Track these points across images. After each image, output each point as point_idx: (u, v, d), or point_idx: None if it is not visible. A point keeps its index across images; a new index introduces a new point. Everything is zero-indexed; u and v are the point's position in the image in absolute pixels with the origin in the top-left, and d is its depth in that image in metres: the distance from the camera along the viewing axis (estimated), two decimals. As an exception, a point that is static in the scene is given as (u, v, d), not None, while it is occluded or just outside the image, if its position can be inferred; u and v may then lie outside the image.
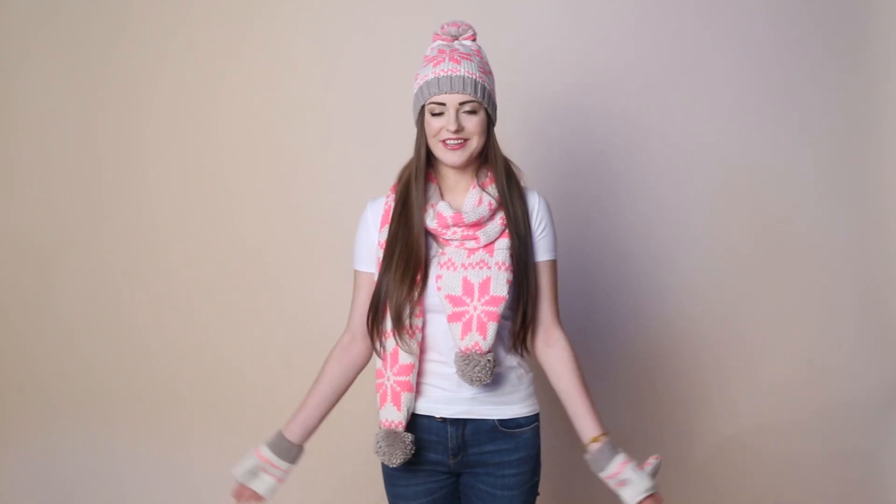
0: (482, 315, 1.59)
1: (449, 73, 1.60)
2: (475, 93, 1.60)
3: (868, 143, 2.61)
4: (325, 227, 2.68)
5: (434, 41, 1.70)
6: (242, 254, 2.71)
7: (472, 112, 1.61)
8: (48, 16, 2.80)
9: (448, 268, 1.63)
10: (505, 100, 2.53)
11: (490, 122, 1.67)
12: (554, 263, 1.72)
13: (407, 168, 1.72)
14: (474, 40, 1.69)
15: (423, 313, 1.65)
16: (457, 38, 1.68)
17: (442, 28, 1.68)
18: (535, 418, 1.71)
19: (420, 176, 1.67)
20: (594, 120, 2.55)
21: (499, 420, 1.66)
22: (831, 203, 2.59)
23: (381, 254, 1.67)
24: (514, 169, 1.71)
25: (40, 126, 2.83)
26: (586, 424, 1.67)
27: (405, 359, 1.64)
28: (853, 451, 2.60)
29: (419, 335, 1.65)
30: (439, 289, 1.62)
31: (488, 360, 1.59)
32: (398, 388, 1.64)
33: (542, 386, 1.79)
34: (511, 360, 1.70)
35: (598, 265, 2.57)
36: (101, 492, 2.79)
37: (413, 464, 1.67)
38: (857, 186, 2.61)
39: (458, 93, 1.59)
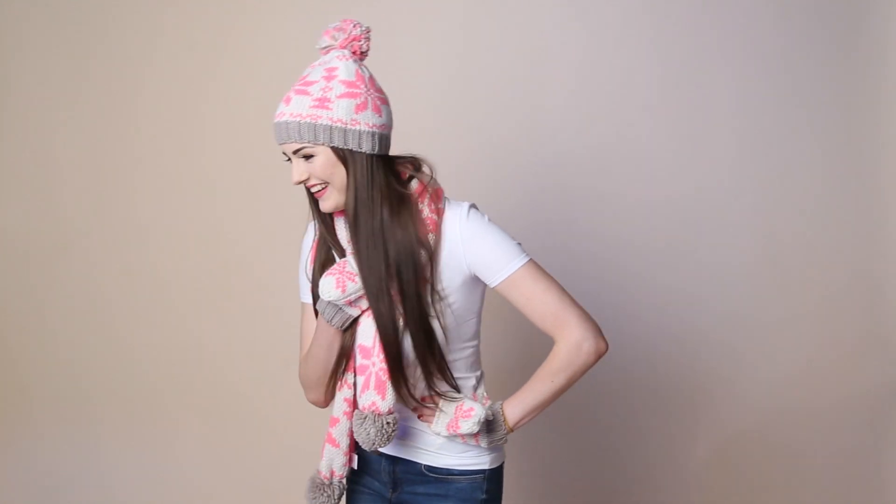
0: (380, 373, 1.45)
1: (276, 118, 1.42)
2: (301, 136, 1.39)
3: (870, 142, 2.59)
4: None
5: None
6: (233, 256, 2.69)
7: (311, 156, 1.42)
8: (43, 17, 2.77)
9: (368, 314, 1.48)
10: (505, 99, 2.51)
11: (345, 155, 1.42)
12: (519, 274, 1.48)
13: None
14: (359, 48, 1.50)
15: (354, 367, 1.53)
16: (328, 50, 1.50)
17: (322, 35, 1.51)
18: (473, 474, 1.56)
19: (320, 222, 1.53)
20: (594, 117, 2.53)
21: (426, 466, 1.57)
22: (831, 202, 2.58)
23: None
24: (398, 201, 1.45)
25: (30, 130, 2.81)
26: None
27: (334, 411, 1.56)
28: (853, 451, 2.59)
29: (348, 391, 1.53)
30: (356, 336, 1.50)
31: (387, 423, 1.45)
32: (326, 438, 1.57)
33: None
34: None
35: (595, 266, 2.55)
36: (89, 492, 2.77)
37: (359, 483, 1.65)
38: (857, 185, 2.60)
39: (285, 143, 1.43)
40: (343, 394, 1.51)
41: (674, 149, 2.55)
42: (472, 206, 1.50)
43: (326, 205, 1.45)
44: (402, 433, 1.58)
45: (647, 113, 2.55)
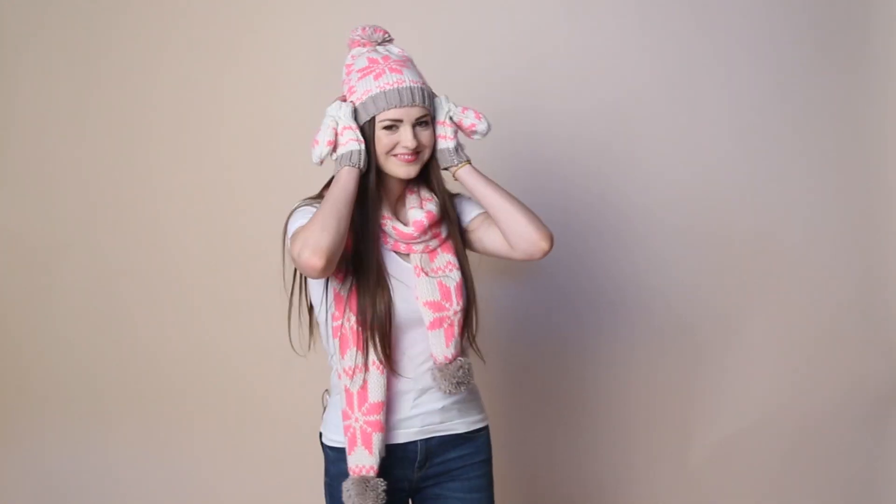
0: (456, 321, 1.52)
1: (396, 84, 1.49)
2: (424, 103, 1.50)
3: (867, 143, 2.58)
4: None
5: (353, 48, 1.58)
6: (241, 253, 2.69)
7: (425, 124, 1.51)
8: (47, 15, 2.78)
9: (421, 274, 1.54)
10: (505, 100, 2.53)
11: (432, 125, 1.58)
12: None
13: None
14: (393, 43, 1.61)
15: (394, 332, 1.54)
16: (380, 44, 1.59)
17: (362, 31, 1.58)
18: (486, 430, 1.65)
19: (377, 191, 1.54)
20: (588, 121, 2.55)
21: (458, 434, 1.59)
22: (830, 202, 2.57)
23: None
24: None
25: (37, 125, 2.80)
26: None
27: (375, 395, 1.51)
28: (853, 451, 2.57)
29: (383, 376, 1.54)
30: (417, 297, 1.52)
31: (468, 363, 1.53)
32: (369, 430, 1.50)
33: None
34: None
35: (593, 267, 2.57)
36: (98, 492, 2.77)
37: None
38: (855, 184, 2.58)
39: (410, 106, 1.49)
40: (385, 377, 1.51)
41: (672, 147, 2.54)
42: None
43: (416, 169, 1.53)
44: (425, 410, 1.58)
45: (644, 112, 2.55)
